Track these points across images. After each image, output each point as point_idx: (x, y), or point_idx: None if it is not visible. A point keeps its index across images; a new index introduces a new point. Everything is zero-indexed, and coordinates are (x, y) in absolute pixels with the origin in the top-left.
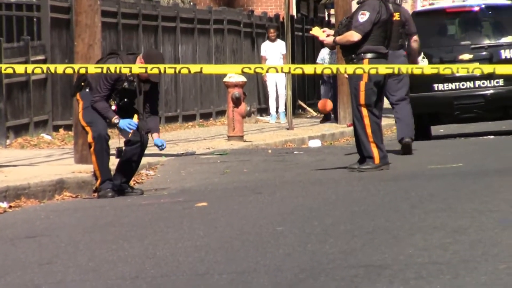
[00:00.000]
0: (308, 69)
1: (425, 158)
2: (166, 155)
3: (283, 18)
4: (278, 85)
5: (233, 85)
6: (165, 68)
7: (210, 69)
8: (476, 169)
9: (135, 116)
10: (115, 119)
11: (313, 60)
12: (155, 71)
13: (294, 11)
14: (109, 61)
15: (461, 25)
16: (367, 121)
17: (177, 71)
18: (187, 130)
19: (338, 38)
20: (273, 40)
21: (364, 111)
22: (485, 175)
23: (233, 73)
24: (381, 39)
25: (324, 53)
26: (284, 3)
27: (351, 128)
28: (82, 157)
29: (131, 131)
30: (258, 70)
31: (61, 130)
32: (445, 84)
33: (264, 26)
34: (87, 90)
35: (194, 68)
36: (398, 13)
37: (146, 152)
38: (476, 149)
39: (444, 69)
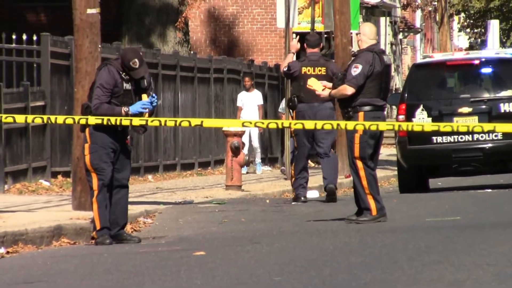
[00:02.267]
0: (309, 124)
1: (423, 210)
2: (164, 203)
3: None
4: (252, 137)
5: (232, 135)
6: (165, 120)
7: (211, 122)
8: (474, 222)
9: (144, 96)
10: (124, 110)
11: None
12: (156, 123)
13: None
14: (101, 73)
15: (461, 78)
16: (362, 173)
17: (177, 124)
18: (186, 179)
19: (333, 92)
20: (248, 89)
21: (359, 163)
22: (482, 228)
23: (234, 126)
24: (376, 92)
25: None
26: (284, 53)
27: (349, 179)
28: (80, 204)
29: (147, 110)
30: (258, 124)
31: (60, 177)
32: (444, 137)
33: (264, 76)
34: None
35: (195, 121)
36: (325, 68)
37: (143, 199)
38: (473, 202)
39: (444, 126)
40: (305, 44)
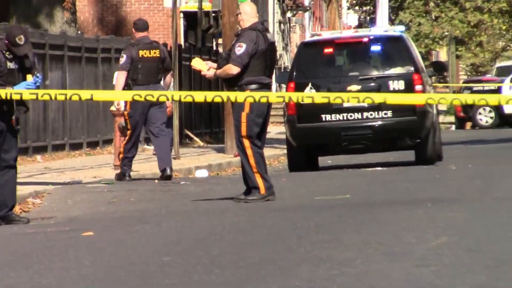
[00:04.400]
0: (198, 96)
1: (313, 189)
2: (53, 184)
3: (170, 48)
4: None
5: (120, 115)
6: (56, 94)
7: (101, 95)
8: (363, 201)
9: (29, 76)
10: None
11: (200, 90)
12: (46, 97)
13: (182, 40)
14: None
15: (350, 56)
16: (250, 152)
17: (68, 98)
18: (74, 159)
19: (218, 71)
20: None
21: (246, 142)
22: (372, 207)
23: (124, 99)
24: (261, 70)
25: None
26: (172, 32)
27: (238, 158)
28: None
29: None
30: (148, 98)
31: None
32: (333, 115)
33: None
34: None
35: (85, 94)
36: (158, 50)
37: (32, 180)
38: (363, 180)
39: (334, 98)
40: (134, 30)
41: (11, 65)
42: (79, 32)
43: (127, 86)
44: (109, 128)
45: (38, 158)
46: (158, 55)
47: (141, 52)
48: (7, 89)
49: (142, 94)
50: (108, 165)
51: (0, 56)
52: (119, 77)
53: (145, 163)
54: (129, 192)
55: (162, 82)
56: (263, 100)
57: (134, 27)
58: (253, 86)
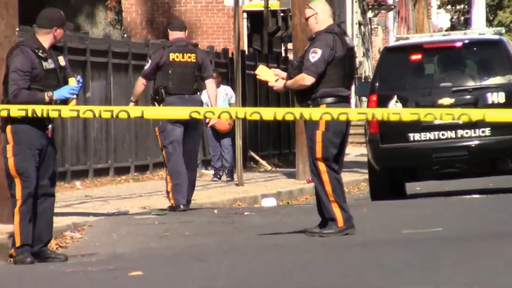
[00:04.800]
0: (267, 113)
1: (399, 220)
2: (95, 215)
3: (232, 54)
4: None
5: None
6: (100, 111)
7: (152, 112)
8: (458, 234)
9: (71, 79)
10: (48, 95)
11: (266, 103)
12: (89, 114)
13: (245, 46)
14: (13, 57)
15: (441, 63)
16: (325, 177)
17: (114, 115)
18: (120, 185)
19: (289, 82)
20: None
21: (322, 165)
22: (468, 241)
23: (179, 117)
24: (339, 80)
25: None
26: (234, 35)
27: (312, 184)
28: None
29: (75, 96)
30: (208, 115)
31: None
32: (423, 134)
33: (210, 63)
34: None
35: (134, 111)
36: (194, 55)
37: (70, 210)
38: (458, 210)
39: (425, 115)
40: (168, 29)
41: (47, 64)
42: (125, 35)
43: (158, 96)
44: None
45: (77, 184)
46: (194, 60)
47: (172, 55)
48: (46, 95)
49: (200, 111)
50: (159, 192)
51: (32, 56)
52: (137, 83)
53: (203, 190)
54: (184, 225)
55: (203, 92)
56: (342, 117)
57: (168, 27)
58: (330, 100)
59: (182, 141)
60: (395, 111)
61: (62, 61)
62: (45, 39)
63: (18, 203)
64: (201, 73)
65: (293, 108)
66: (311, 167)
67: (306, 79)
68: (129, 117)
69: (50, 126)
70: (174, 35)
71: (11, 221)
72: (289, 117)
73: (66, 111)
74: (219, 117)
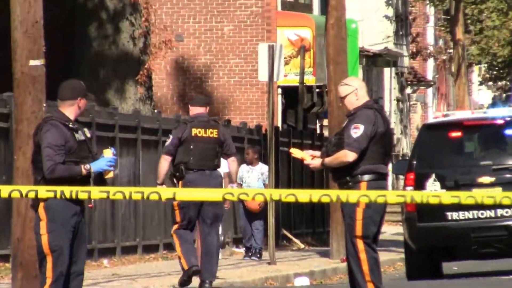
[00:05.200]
0: (302, 196)
1: None
2: None
3: (266, 130)
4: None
5: None
6: (130, 193)
7: (184, 194)
8: None
9: (106, 151)
10: (86, 168)
11: (300, 181)
12: (119, 196)
13: (279, 122)
14: (43, 133)
15: (481, 141)
16: (363, 256)
17: (145, 197)
18: (148, 264)
19: (328, 160)
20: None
21: (361, 244)
22: None
23: (212, 199)
24: (380, 157)
25: (243, 170)
26: (268, 111)
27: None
28: None
29: (113, 168)
30: (242, 196)
31: None
32: (461, 212)
33: (243, 139)
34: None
35: (166, 193)
36: (216, 130)
37: None
38: None
39: (466, 198)
40: (189, 105)
41: (78, 136)
42: (155, 111)
43: (178, 172)
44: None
45: (105, 262)
46: (216, 136)
47: (194, 131)
48: (83, 168)
49: (235, 193)
50: None
51: (63, 129)
52: (161, 162)
53: (234, 269)
54: None
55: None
56: (380, 200)
57: (189, 102)
58: (370, 177)
59: (206, 212)
60: (434, 194)
61: (87, 132)
62: (70, 111)
63: (48, 281)
64: (223, 150)
65: (329, 190)
66: (348, 245)
67: (349, 156)
68: (161, 199)
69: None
70: (195, 110)
71: None
72: (325, 199)
73: (96, 193)
74: (253, 198)
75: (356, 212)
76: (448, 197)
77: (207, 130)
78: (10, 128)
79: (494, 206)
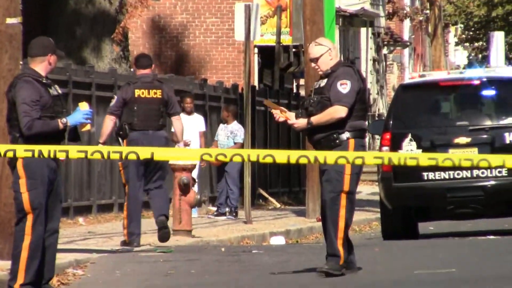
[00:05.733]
0: (280, 156)
1: (411, 261)
2: (98, 251)
3: (242, 89)
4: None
5: (181, 169)
6: (109, 152)
7: (162, 153)
8: (472, 276)
9: (82, 104)
10: (62, 122)
11: (277, 140)
12: (97, 155)
13: (256, 81)
14: (17, 90)
15: (458, 101)
16: (342, 212)
17: (123, 157)
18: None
19: (316, 118)
20: (188, 113)
21: (343, 200)
22: (483, 284)
23: (190, 159)
24: (362, 113)
25: (218, 128)
26: (244, 71)
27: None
28: None
29: (89, 121)
30: (220, 157)
31: None
32: (437, 173)
33: (219, 98)
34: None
35: (144, 152)
36: (160, 90)
37: (73, 247)
38: (472, 251)
39: (443, 160)
40: (134, 65)
41: (52, 91)
42: (131, 69)
43: (122, 131)
44: (167, 186)
45: (80, 220)
46: (160, 96)
47: (137, 92)
48: (60, 122)
49: (212, 153)
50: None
51: (37, 85)
52: (105, 122)
53: (210, 227)
54: (190, 262)
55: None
56: (358, 162)
57: (135, 63)
58: (355, 133)
59: (151, 171)
60: (412, 155)
61: (58, 89)
62: (41, 68)
63: (28, 238)
64: (167, 110)
65: (307, 152)
66: (327, 203)
67: (340, 111)
68: (139, 159)
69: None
70: (140, 71)
71: (11, 258)
72: (303, 161)
73: (74, 152)
74: (231, 159)
75: (345, 166)
76: (425, 159)
77: (151, 90)
78: None
79: (471, 167)
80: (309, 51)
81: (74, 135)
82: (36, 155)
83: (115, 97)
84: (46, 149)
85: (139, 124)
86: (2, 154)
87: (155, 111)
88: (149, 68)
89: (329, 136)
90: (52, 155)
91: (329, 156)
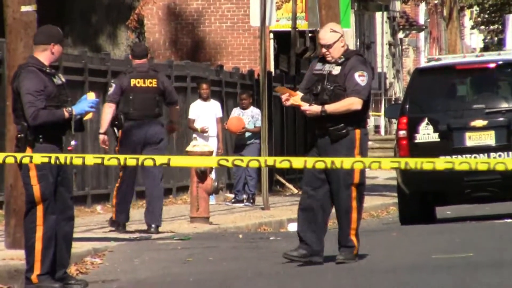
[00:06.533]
0: (297, 162)
1: (429, 245)
2: (116, 240)
3: (258, 75)
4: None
5: (198, 154)
6: (125, 159)
7: (179, 161)
8: (490, 260)
9: (90, 93)
10: (68, 111)
11: (293, 126)
12: (114, 162)
13: (272, 67)
14: (21, 81)
15: (474, 85)
16: (355, 204)
17: (139, 163)
18: (142, 210)
19: (332, 107)
20: (205, 99)
21: (354, 192)
22: (501, 267)
23: (207, 166)
24: (368, 104)
25: (235, 114)
26: (260, 57)
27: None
28: (15, 241)
29: (94, 109)
30: (237, 162)
31: None
32: (454, 157)
33: (235, 84)
34: (41, 140)
35: (160, 159)
36: (155, 80)
37: (91, 235)
38: (490, 235)
39: (460, 163)
40: (130, 55)
41: (56, 80)
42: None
43: (118, 121)
44: (184, 173)
45: (98, 208)
46: (155, 86)
47: (133, 81)
48: (65, 111)
49: (229, 159)
50: (183, 217)
51: (41, 75)
52: (105, 110)
53: (227, 214)
54: (208, 250)
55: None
56: (374, 166)
57: (130, 53)
58: (362, 124)
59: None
60: (429, 160)
61: (62, 77)
62: (44, 57)
63: (40, 229)
64: (165, 99)
65: (324, 158)
66: (339, 194)
67: (358, 103)
68: (155, 165)
69: (73, 142)
70: (135, 61)
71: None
72: (319, 165)
73: (91, 159)
74: (247, 165)
75: (356, 156)
76: (442, 163)
77: (146, 80)
78: (3, 74)
79: (487, 149)
80: (321, 37)
81: (80, 126)
82: (52, 161)
83: (113, 85)
84: (63, 156)
85: (135, 114)
86: (18, 160)
87: (151, 100)
88: (145, 57)
89: (338, 127)
90: (69, 162)
91: (346, 162)
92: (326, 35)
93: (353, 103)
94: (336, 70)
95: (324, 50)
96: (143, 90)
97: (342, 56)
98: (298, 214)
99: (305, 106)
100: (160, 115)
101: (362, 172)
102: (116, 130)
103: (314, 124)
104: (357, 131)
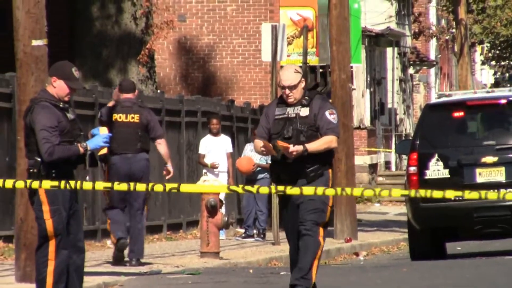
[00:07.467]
0: (307, 189)
1: (439, 281)
2: (126, 274)
3: None
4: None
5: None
6: (135, 185)
7: (189, 188)
8: None
9: (102, 128)
10: (83, 146)
11: None
12: (123, 187)
13: None
14: (35, 116)
15: (484, 121)
16: (322, 242)
17: (149, 189)
18: (152, 244)
19: (314, 145)
20: (215, 134)
21: (321, 231)
22: None
23: (217, 191)
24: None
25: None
26: (271, 92)
27: (350, 244)
28: (26, 275)
29: (108, 144)
30: (248, 188)
31: (0, 242)
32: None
33: (246, 119)
34: (53, 175)
35: (170, 185)
36: (138, 115)
37: (101, 269)
38: (500, 271)
39: (469, 193)
40: (118, 89)
41: (69, 115)
42: (158, 91)
43: (104, 156)
44: (195, 208)
45: (108, 243)
46: (137, 121)
47: (114, 116)
48: (80, 146)
49: (239, 187)
50: (193, 251)
51: (54, 110)
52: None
53: (238, 249)
54: (218, 285)
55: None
56: (384, 193)
57: (119, 88)
58: (330, 164)
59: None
60: (438, 193)
61: (74, 112)
62: (51, 90)
63: (52, 264)
64: (149, 134)
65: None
66: (310, 231)
67: (335, 141)
68: (165, 191)
69: (88, 178)
70: (123, 95)
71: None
72: (329, 192)
73: (101, 185)
74: (257, 191)
75: (330, 198)
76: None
77: (128, 115)
78: (13, 109)
79: (497, 185)
80: (286, 78)
81: (93, 161)
82: (62, 187)
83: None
84: (73, 183)
85: (117, 148)
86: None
87: (133, 135)
88: (132, 92)
89: (314, 167)
90: (78, 187)
91: (355, 190)
92: (291, 75)
93: (332, 140)
94: (304, 111)
95: (288, 91)
96: (125, 125)
97: (307, 97)
98: (291, 267)
99: (291, 148)
100: (145, 150)
101: (331, 211)
102: (103, 165)
103: (286, 168)
104: (330, 171)
